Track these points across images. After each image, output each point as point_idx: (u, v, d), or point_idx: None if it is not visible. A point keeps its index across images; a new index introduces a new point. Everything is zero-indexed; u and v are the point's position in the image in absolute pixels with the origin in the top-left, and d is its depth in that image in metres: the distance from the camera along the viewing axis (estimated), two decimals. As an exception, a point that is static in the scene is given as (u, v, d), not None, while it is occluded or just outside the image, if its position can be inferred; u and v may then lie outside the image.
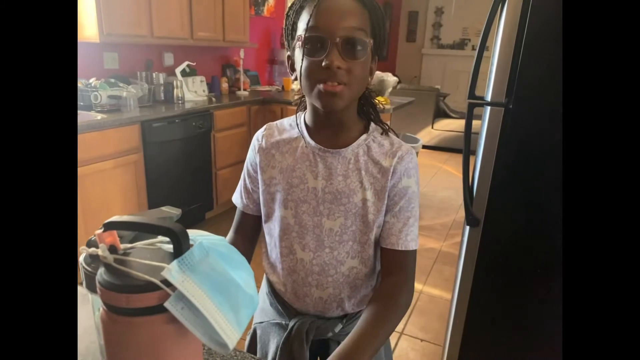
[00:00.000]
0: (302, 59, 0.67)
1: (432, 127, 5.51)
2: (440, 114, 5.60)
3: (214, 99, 3.08)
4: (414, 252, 0.77)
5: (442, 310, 2.13)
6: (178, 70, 3.00)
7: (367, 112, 0.79)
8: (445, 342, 1.56)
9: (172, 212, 0.48)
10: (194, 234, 0.43)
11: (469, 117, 1.30)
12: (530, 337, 1.40)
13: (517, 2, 1.15)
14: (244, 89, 3.54)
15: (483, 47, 1.23)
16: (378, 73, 3.45)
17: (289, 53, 0.74)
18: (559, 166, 1.20)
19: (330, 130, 0.76)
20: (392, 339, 1.91)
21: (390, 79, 3.43)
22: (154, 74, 2.85)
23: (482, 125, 1.30)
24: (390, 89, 3.46)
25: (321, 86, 0.66)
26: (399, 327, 1.98)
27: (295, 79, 0.72)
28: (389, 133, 0.78)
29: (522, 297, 1.38)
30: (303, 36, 0.66)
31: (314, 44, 0.65)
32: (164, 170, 2.54)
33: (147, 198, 2.46)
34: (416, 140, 3.38)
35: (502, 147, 1.26)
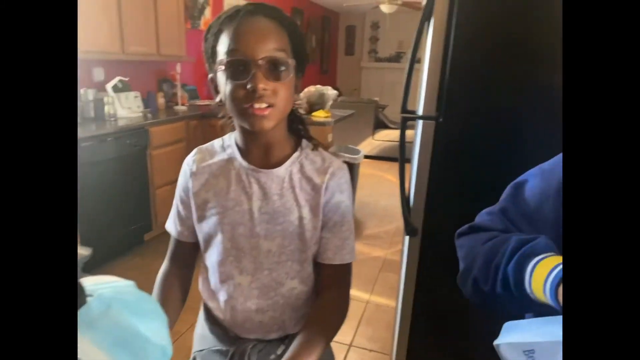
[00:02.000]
0: (226, 83, 0.66)
1: (373, 138, 5.66)
2: (380, 124, 5.78)
3: (149, 115, 2.95)
4: (350, 265, 0.78)
5: (389, 318, 2.17)
6: (109, 86, 2.86)
7: (296, 129, 0.80)
8: (392, 350, 1.59)
9: (80, 252, 0.44)
10: (98, 281, 0.40)
11: (403, 131, 1.35)
12: (475, 341, 1.46)
13: (442, 20, 1.21)
14: (182, 104, 3.44)
15: (412, 64, 1.28)
16: (318, 87, 3.50)
17: (211, 75, 0.72)
18: (491, 176, 1.27)
19: (261, 149, 0.75)
20: (341, 352, 1.91)
21: (330, 92, 3.49)
22: (81, 90, 2.69)
23: (415, 138, 1.35)
24: (330, 102, 3.52)
25: (249, 109, 0.65)
26: (347, 340, 1.99)
27: (220, 101, 0.70)
28: (320, 149, 0.79)
29: (465, 303, 1.43)
30: (225, 60, 0.65)
31: (237, 67, 0.64)
32: (96, 192, 2.38)
33: (78, 224, 2.29)
34: (357, 152, 3.45)
35: (435, 158, 1.32)
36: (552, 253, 0.59)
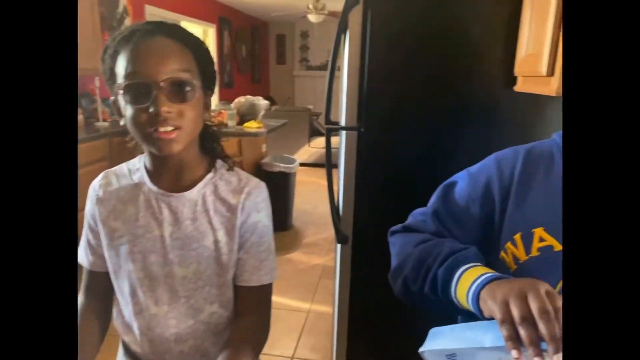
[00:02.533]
0: (126, 107, 0.63)
1: (309, 145, 5.71)
2: (316, 132, 5.84)
3: (66, 134, 2.75)
4: (269, 285, 0.77)
5: (330, 326, 2.18)
6: (17, 104, 2.63)
7: (210, 148, 0.77)
8: (332, 358, 1.59)
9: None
10: None
11: (328, 142, 1.37)
12: (412, 343, 1.50)
13: (357, 33, 1.25)
14: (104, 120, 3.24)
15: (332, 77, 1.31)
16: (249, 97, 3.47)
17: (112, 97, 0.69)
18: (415, 180, 1.32)
19: (172, 172, 0.72)
20: (283, 365, 1.89)
21: (261, 102, 3.47)
22: (-16, 110, 2.44)
23: (340, 147, 1.38)
24: (262, 112, 3.50)
25: (153, 133, 0.62)
26: (289, 352, 1.97)
27: (125, 125, 0.67)
28: (236, 168, 0.78)
29: (400, 306, 1.47)
30: (123, 84, 0.61)
31: (137, 90, 0.61)
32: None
33: None
34: (293, 161, 3.46)
35: (360, 166, 1.35)
36: (480, 264, 0.63)
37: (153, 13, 4.27)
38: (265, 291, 0.77)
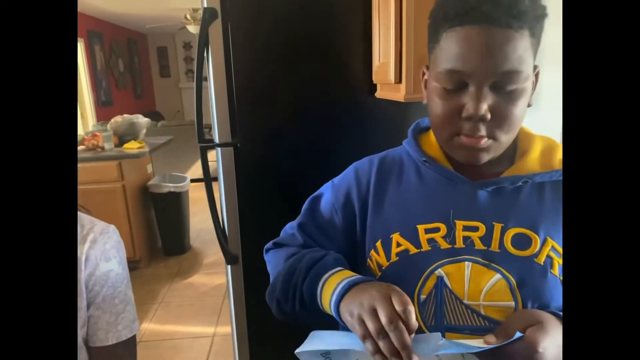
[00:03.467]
0: None
1: (203, 160, 5.51)
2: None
3: None
4: (131, 339, 0.70)
5: (236, 346, 2.11)
6: None
7: None
8: (237, 383, 1.53)
9: None
10: None
11: (204, 161, 1.32)
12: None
13: (219, 48, 1.21)
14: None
15: (200, 93, 1.26)
16: (126, 116, 3.22)
17: None
18: (300, 193, 1.32)
19: None
20: (189, 399, 1.77)
21: (141, 120, 3.25)
22: None
23: (218, 165, 1.33)
24: (144, 131, 3.28)
25: None
26: (194, 384, 1.86)
27: None
28: (79, 212, 0.69)
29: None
30: None
31: None
32: None
33: None
34: (183, 179, 3.29)
35: (241, 182, 1.31)
36: (340, 268, 0.63)
37: None
38: (126, 346, 0.69)
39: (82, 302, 0.64)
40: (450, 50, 0.56)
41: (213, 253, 3.28)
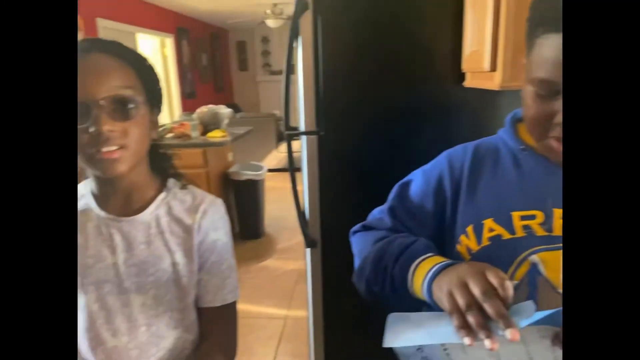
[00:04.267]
0: None
1: (277, 151, 5.71)
2: (283, 137, 5.83)
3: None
4: (234, 304, 0.76)
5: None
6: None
7: (160, 168, 0.75)
8: (311, 363, 1.60)
9: None
10: None
11: (289, 147, 1.37)
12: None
13: (309, 39, 1.26)
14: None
15: (288, 83, 1.31)
16: (211, 106, 3.43)
17: None
18: (377, 180, 1.34)
19: (121, 196, 0.70)
20: (263, 374, 1.87)
21: (224, 110, 3.44)
22: None
23: (302, 152, 1.38)
24: (226, 121, 3.47)
25: (96, 154, 0.60)
26: (269, 361, 1.96)
27: None
28: (190, 186, 0.76)
29: (374, 308, 1.48)
30: None
31: None
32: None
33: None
34: (260, 168, 3.44)
35: (323, 169, 1.36)
36: (431, 254, 0.64)
37: (106, 26, 4.15)
38: (230, 310, 0.76)
39: (194, 266, 0.71)
40: (543, 57, 0.54)
41: (286, 239, 3.41)
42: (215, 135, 3.17)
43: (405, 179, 0.81)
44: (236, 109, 6.86)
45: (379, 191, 1.35)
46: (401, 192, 0.79)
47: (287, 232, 3.56)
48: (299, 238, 3.36)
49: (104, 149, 0.60)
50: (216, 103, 3.69)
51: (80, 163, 0.64)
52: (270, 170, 4.04)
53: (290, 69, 1.28)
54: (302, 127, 1.35)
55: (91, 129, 0.59)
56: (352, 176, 1.36)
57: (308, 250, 1.45)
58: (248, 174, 3.24)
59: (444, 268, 0.58)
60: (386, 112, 1.31)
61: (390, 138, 1.32)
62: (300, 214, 1.41)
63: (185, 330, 0.74)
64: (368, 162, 1.35)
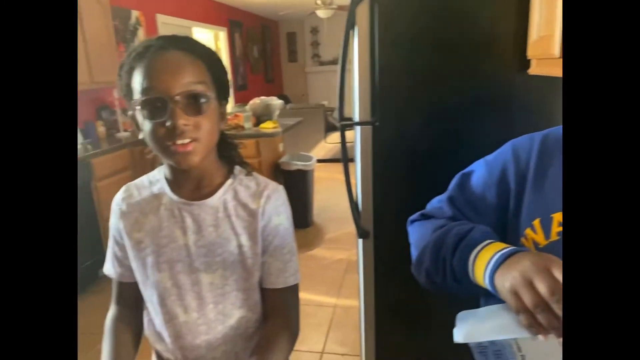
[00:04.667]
0: (144, 122, 0.65)
1: (326, 141, 5.72)
2: (331, 127, 5.85)
3: (89, 147, 2.84)
4: (295, 286, 0.78)
5: (358, 320, 2.19)
6: (42, 121, 2.72)
7: (228, 156, 0.79)
8: (361, 351, 1.61)
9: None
10: None
11: (343, 138, 1.38)
12: (439, 331, 1.50)
13: (365, 29, 1.25)
14: (125, 130, 3.33)
15: (343, 73, 1.31)
16: (263, 98, 3.50)
17: (130, 112, 0.71)
18: (433, 172, 1.32)
19: (192, 182, 0.74)
20: (313, 360, 1.91)
21: (276, 102, 3.50)
22: (12, 129, 2.54)
23: (355, 143, 1.38)
24: (277, 112, 3.53)
25: (171, 146, 0.64)
26: (319, 347, 2.00)
27: (144, 138, 0.69)
28: (254, 173, 0.79)
29: (425, 298, 1.47)
30: (140, 100, 0.63)
31: (153, 105, 0.63)
32: (39, 233, 2.26)
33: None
34: (310, 158, 3.48)
35: (377, 160, 1.35)
36: (490, 240, 0.63)
37: (164, 22, 4.34)
38: (292, 292, 0.78)
39: (258, 249, 0.75)
40: None
41: (334, 229, 3.43)
42: (268, 126, 3.24)
43: (466, 170, 0.79)
44: (285, 100, 6.95)
45: (435, 183, 1.33)
46: (462, 182, 0.77)
47: (334, 222, 3.58)
48: (347, 229, 3.40)
49: (179, 142, 0.63)
50: (266, 94, 3.76)
51: (157, 153, 0.68)
52: (318, 161, 4.07)
53: (346, 58, 1.28)
54: (356, 118, 1.34)
55: (167, 123, 0.62)
56: (407, 167, 1.35)
57: (360, 240, 1.45)
58: (298, 164, 3.29)
59: (506, 258, 0.57)
60: (444, 101, 1.28)
61: (448, 129, 1.29)
62: (354, 204, 1.41)
63: (249, 310, 0.78)
64: (424, 153, 1.32)
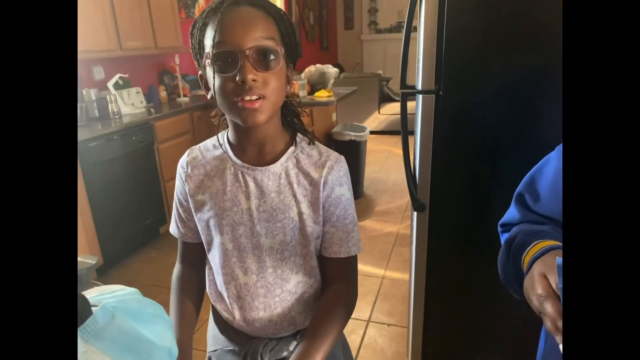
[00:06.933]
0: (214, 77, 0.65)
1: (379, 113, 5.61)
2: (385, 98, 5.71)
3: (152, 110, 2.97)
4: (356, 256, 0.79)
5: (405, 292, 2.19)
6: (110, 84, 2.87)
7: (291, 122, 0.79)
8: (409, 323, 1.62)
9: (86, 262, 0.46)
10: (102, 291, 0.42)
11: (404, 106, 1.34)
12: (488, 307, 1.48)
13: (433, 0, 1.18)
14: (184, 95, 3.44)
15: (408, 38, 1.26)
16: (318, 66, 3.46)
17: (200, 72, 0.72)
18: (495, 147, 1.26)
19: (256, 146, 0.75)
20: (359, 328, 1.95)
21: (331, 70, 3.45)
22: (84, 91, 2.70)
23: (417, 113, 1.34)
24: (332, 81, 3.49)
25: (239, 102, 0.64)
26: (365, 316, 2.03)
27: (212, 97, 0.69)
28: (316, 142, 0.79)
29: (476, 273, 1.45)
30: (211, 53, 0.64)
31: (224, 59, 0.63)
32: (108, 191, 2.43)
33: (93, 223, 2.34)
34: (363, 129, 3.43)
35: (437, 131, 1.31)
36: (538, 241, 0.62)
37: (223, -13, 4.35)
38: (352, 262, 0.79)
39: (317, 217, 0.75)
40: None
41: (384, 202, 3.41)
42: (322, 95, 3.22)
43: (537, 165, 0.74)
44: (340, 68, 6.85)
45: (497, 158, 1.28)
46: (531, 181, 0.73)
47: (385, 195, 3.55)
48: (398, 202, 3.36)
49: (247, 98, 0.64)
50: (321, 62, 3.71)
51: (224, 110, 0.69)
52: (371, 133, 4.00)
53: (411, 24, 1.22)
54: (419, 87, 1.29)
55: (237, 78, 0.63)
56: (470, 141, 1.29)
57: (414, 213, 1.43)
58: (351, 135, 3.26)
59: (544, 252, 0.58)
60: (514, 74, 1.19)
61: (516, 103, 1.21)
62: (411, 176, 1.38)
63: (307, 275, 0.79)
64: (489, 126, 1.26)
